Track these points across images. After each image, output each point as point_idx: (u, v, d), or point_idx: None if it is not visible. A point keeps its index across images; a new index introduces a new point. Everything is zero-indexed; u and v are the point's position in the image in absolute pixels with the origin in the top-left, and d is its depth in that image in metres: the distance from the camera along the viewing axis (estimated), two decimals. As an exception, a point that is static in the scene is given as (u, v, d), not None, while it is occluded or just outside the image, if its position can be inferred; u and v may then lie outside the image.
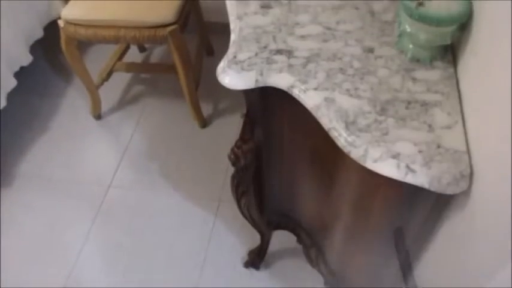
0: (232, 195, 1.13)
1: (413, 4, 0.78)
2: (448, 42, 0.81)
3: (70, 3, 1.62)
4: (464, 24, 0.79)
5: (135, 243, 1.60)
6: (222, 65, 0.88)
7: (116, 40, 1.60)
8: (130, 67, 2.01)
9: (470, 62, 0.78)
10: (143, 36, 1.57)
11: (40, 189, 1.75)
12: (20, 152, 1.87)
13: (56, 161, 1.84)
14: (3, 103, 1.75)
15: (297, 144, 0.99)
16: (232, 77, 0.85)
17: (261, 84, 0.85)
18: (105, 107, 1.99)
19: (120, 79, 2.08)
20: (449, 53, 0.86)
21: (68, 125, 1.96)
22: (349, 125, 0.76)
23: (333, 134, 0.77)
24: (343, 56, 0.86)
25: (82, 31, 1.59)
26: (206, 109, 1.92)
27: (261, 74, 0.84)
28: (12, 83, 1.80)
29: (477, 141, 0.71)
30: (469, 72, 0.78)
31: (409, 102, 0.78)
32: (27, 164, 1.84)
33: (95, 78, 1.86)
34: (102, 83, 1.89)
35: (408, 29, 0.81)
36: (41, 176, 1.79)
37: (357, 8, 0.95)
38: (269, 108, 0.94)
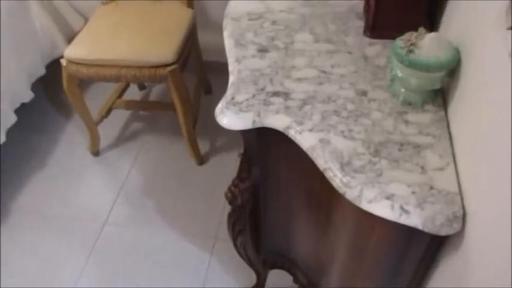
0: (228, 233, 1.13)
1: (404, 51, 0.81)
2: (438, 87, 0.84)
3: (73, 43, 1.67)
4: (453, 70, 0.82)
5: (129, 281, 1.57)
6: (220, 106, 0.90)
7: (117, 79, 1.64)
8: (130, 105, 2.04)
9: (459, 106, 0.81)
10: (144, 75, 1.61)
11: (36, 226, 1.74)
12: (17, 187, 1.87)
13: (53, 197, 1.83)
14: (3, 139, 1.76)
15: (293, 183, 1.00)
16: (230, 117, 0.88)
17: (258, 125, 0.87)
18: (103, 143, 2.00)
19: (119, 116, 2.10)
20: (440, 96, 0.89)
21: (66, 161, 1.97)
22: (344, 165, 0.77)
23: (329, 175, 0.78)
24: (338, 98, 0.89)
25: (84, 70, 1.63)
26: (203, 147, 1.94)
27: (258, 115, 0.87)
28: (13, 119, 1.82)
29: (469, 183, 0.72)
30: (458, 115, 0.81)
31: (401, 144, 0.81)
32: (24, 200, 1.83)
33: (95, 115, 1.89)
34: (101, 120, 1.92)
35: (399, 74, 0.84)
36: (37, 212, 1.79)
37: (350, 53, 0.99)
38: (266, 147, 0.96)
